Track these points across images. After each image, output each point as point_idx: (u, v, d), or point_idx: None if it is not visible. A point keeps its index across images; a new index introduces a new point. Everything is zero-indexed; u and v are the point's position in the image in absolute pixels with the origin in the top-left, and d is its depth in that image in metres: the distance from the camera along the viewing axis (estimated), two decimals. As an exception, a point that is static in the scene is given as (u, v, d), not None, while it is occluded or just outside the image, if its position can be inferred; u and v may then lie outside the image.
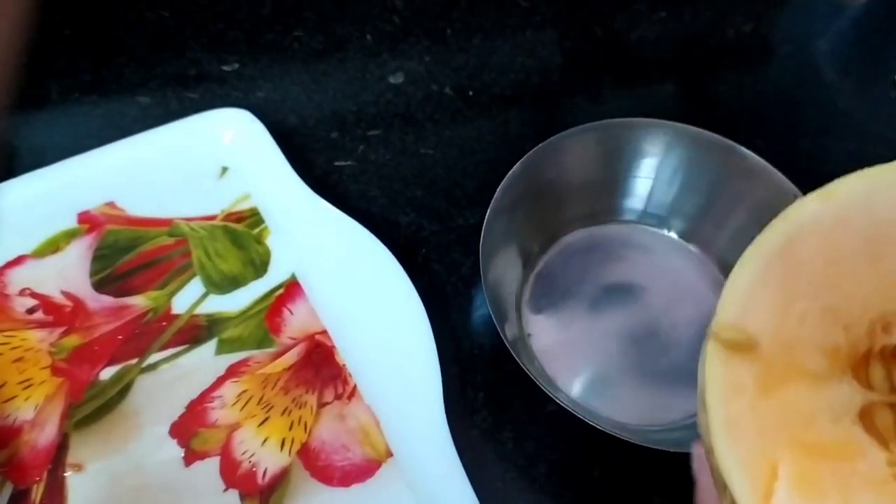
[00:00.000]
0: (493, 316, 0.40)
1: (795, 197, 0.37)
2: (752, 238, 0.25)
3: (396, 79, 0.58)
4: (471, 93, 0.58)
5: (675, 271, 0.48)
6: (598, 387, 0.44)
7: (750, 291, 0.25)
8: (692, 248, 0.49)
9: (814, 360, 0.24)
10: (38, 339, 0.43)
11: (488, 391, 0.44)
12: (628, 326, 0.46)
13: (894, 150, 0.55)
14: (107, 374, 0.42)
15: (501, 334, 0.40)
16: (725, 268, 0.47)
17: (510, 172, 0.45)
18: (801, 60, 0.61)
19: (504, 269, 0.46)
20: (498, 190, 0.44)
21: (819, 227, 0.25)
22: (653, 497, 0.41)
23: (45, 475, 0.39)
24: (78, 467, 0.40)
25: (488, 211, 0.43)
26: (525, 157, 0.46)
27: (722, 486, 0.24)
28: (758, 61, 0.62)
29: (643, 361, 0.45)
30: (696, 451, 0.27)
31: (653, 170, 0.48)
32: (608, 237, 0.49)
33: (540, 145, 0.46)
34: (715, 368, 0.24)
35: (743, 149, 0.46)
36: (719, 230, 0.48)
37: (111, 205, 0.48)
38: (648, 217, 0.49)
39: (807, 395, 0.24)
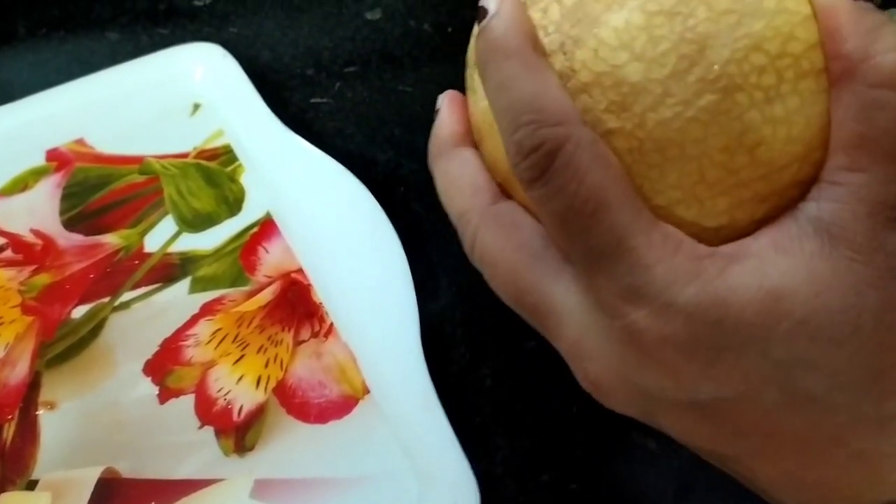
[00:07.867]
0: None
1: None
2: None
3: (374, 14, 0.56)
4: (450, 29, 0.56)
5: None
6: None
7: None
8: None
9: None
10: (7, 277, 0.43)
11: (466, 327, 0.43)
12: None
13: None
14: (79, 312, 0.42)
15: None
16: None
17: None
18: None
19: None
20: None
21: None
22: (631, 432, 0.41)
23: (16, 413, 0.39)
24: (50, 405, 0.39)
25: None
26: None
27: None
28: None
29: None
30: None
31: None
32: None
33: None
34: None
35: None
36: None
37: (80, 142, 0.47)
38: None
39: None
